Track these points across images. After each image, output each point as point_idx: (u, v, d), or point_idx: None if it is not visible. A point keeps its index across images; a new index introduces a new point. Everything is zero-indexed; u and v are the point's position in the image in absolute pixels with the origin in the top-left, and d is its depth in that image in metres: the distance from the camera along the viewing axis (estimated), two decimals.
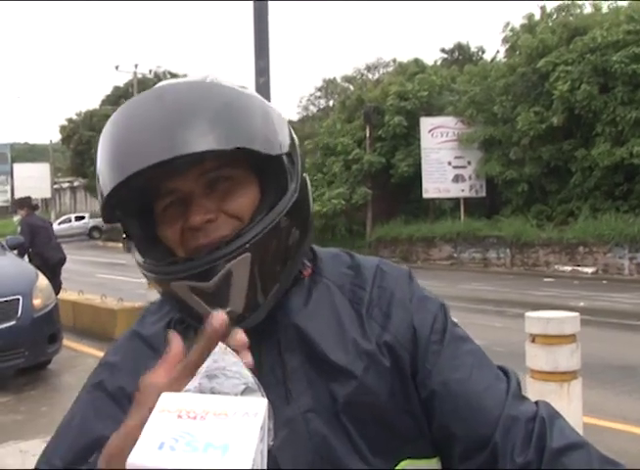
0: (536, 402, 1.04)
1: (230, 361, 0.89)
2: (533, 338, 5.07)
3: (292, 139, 1.07)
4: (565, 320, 5.07)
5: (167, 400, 0.82)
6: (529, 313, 5.24)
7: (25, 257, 9.95)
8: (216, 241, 0.98)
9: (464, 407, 1.01)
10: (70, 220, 46.26)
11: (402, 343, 1.04)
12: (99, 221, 46.18)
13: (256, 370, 0.98)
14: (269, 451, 0.94)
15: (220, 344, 0.92)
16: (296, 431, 0.98)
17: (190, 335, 1.04)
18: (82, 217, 47.13)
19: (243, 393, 0.85)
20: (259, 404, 0.82)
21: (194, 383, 0.86)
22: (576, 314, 5.19)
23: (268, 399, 0.99)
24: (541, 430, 0.98)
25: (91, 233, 45.03)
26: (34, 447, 5.53)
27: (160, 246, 1.04)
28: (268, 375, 1.00)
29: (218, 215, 0.99)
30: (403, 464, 1.01)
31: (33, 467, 1.03)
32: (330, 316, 1.06)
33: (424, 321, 1.06)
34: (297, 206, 1.03)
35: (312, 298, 1.07)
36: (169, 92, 1.01)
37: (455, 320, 1.11)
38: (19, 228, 10.16)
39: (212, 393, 0.84)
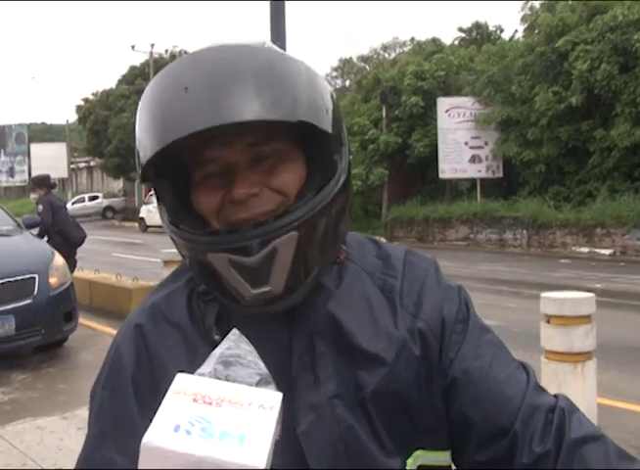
0: (555, 395, 1.04)
1: (245, 349, 0.89)
2: (548, 319, 5.05)
3: (341, 116, 1.04)
4: (580, 301, 5.05)
5: (183, 382, 0.81)
6: (545, 294, 5.21)
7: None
8: (258, 216, 0.95)
9: (485, 395, 1.01)
10: (84, 200, 46.51)
11: (434, 331, 1.04)
12: (113, 201, 46.43)
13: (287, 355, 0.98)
14: (294, 436, 0.94)
15: (235, 330, 0.91)
16: (322, 417, 0.98)
17: (213, 308, 1.03)
18: (96, 197, 47.39)
19: (257, 384, 0.85)
20: (275, 398, 0.81)
21: (208, 367, 0.86)
22: (592, 295, 5.16)
23: (297, 384, 0.98)
24: (560, 420, 0.98)
25: (105, 213, 45.27)
26: (52, 424, 5.62)
27: (192, 214, 1.01)
28: (298, 360, 1.00)
29: (262, 190, 0.96)
30: (416, 454, 1.01)
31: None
32: (361, 302, 1.05)
33: (450, 311, 1.06)
34: (344, 187, 1.01)
35: (343, 282, 1.06)
36: (222, 54, 0.96)
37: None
38: (40, 207, 10.10)
39: (227, 380, 0.84)
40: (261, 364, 0.88)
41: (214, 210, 0.98)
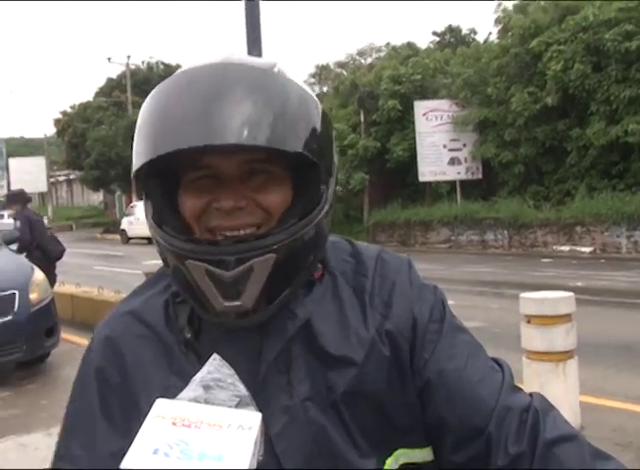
0: (530, 394, 1.04)
1: (225, 373, 0.90)
2: (529, 319, 5.07)
3: (333, 147, 1.07)
4: (559, 300, 5.08)
5: (162, 407, 0.82)
6: (524, 294, 5.24)
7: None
8: (239, 226, 0.97)
9: (459, 397, 1.01)
10: (3, 217, 45.04)
11: (403, 332, 1.04)
12: None
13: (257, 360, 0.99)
14: (267, 437, 0.94)
15: (215, 355, 0.92)
16: (295, 419, 0.99)
17: (184, 310, 1.05)
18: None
19: (237, 405, 0.86)
20: (254, 418, 0.82)
21: (188, 392, 0.87)
22: (571, 294, 5.19)
23: (268, 387, 0.99)
24: (534, 421, 0.98)
25: None
26: (35, 441, 5.56)
27: (177, 217, 1.02)
28: (271, 364, 1.00)
29: (249, 203, 0.98)
30: (397, 453, 1.02)
31: (42, 464, 1.06)
32: (332, 305, 1.06)
33: (423, 311, 1.06)
34: (326, 215, 1.03)
35: (315, 286, 1.07)
36: (236, 73, 0.98)
37: (451, 307, 1.10)
38: (17, 223, 10.04)
39: (207, 403, 0.84)
40: (241, 386, 0.88)
41: (198, 213, 1.00)
